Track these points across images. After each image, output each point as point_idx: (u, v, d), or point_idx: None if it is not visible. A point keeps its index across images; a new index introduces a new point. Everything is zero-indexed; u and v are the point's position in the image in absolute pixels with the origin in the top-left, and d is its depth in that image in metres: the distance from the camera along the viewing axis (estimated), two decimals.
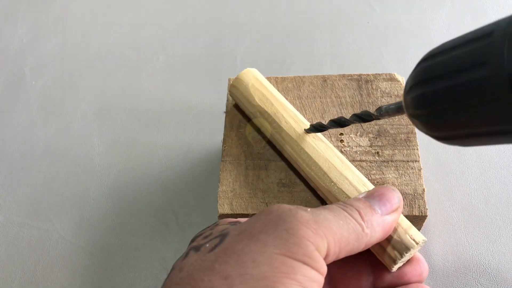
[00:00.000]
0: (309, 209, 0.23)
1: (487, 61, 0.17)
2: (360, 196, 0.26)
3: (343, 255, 0.23)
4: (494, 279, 0.34)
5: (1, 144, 0.48)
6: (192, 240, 0.25)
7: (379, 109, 0.26)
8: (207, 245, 0.23)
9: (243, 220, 0.26)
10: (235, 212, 0.32)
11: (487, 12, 0.50)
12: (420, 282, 0.27)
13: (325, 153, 0.31)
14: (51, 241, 0.41)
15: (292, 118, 0.33)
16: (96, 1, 0.59)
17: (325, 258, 0.22)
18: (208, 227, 0.26)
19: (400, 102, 0.24)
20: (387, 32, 0.50)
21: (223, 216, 0.32)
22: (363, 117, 0.28)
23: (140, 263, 0.39)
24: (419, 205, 0.31)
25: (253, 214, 0.25)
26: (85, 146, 0.47)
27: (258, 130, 0.35)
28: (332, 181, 0.30)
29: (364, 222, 0.24)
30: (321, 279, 0.21)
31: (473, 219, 0.37)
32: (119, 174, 0.44)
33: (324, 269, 0.22)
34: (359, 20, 0.51)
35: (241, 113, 0.36)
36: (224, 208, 0.32)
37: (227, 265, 0.20)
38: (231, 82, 0.37)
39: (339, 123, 0.29)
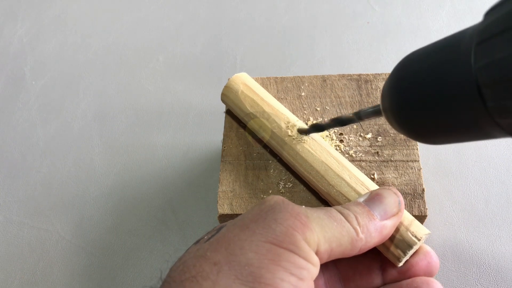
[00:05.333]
0: (303, 206, 0.24)
1: (455, 71, 0.18)
2: (361, 200, 0.26)
3: (336, 255, 0.24)
4: (494, 279, 0.34)
5: (1, 144, 0.48)
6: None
7: (357, 112, 0.27)
8: (206, 237, 0.24)
9: None
10: (235, 213, 0.32)
11: None
12: (428, 274, 0.27)
13: (321, 156, 0.31)
14: (51, 241, 0.41)
15: (285, 122, 0.32)
16: (96, 2, 0.59)
17: (316, 253, 0.22)
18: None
19: (378, 105, 0.25)
20: (387, 32, 0.50)
21: (223, 216, 0.32)
22: (343, 121, 0.28)
23: (140, 263, 0.39)
24: (419, 205, 0.31)
25: None
26: (85, 146, 0.47)
27: (258, 131, 0.35)
28: (330, 184, 0.30)
29: (359, 227, 0.24)
30: (311, 268, 0.22)
31: (473, 219, 0.37)
32: (119, 174, 0.44)
33: (315, 259, 0.22)
34: (359, 20, 0.51)
35: (236, 120, 0.36)
36: (224, 208, 0.32)
37: (217, 252, 0.22)
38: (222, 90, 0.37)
39: (319, 127, 0.30)
